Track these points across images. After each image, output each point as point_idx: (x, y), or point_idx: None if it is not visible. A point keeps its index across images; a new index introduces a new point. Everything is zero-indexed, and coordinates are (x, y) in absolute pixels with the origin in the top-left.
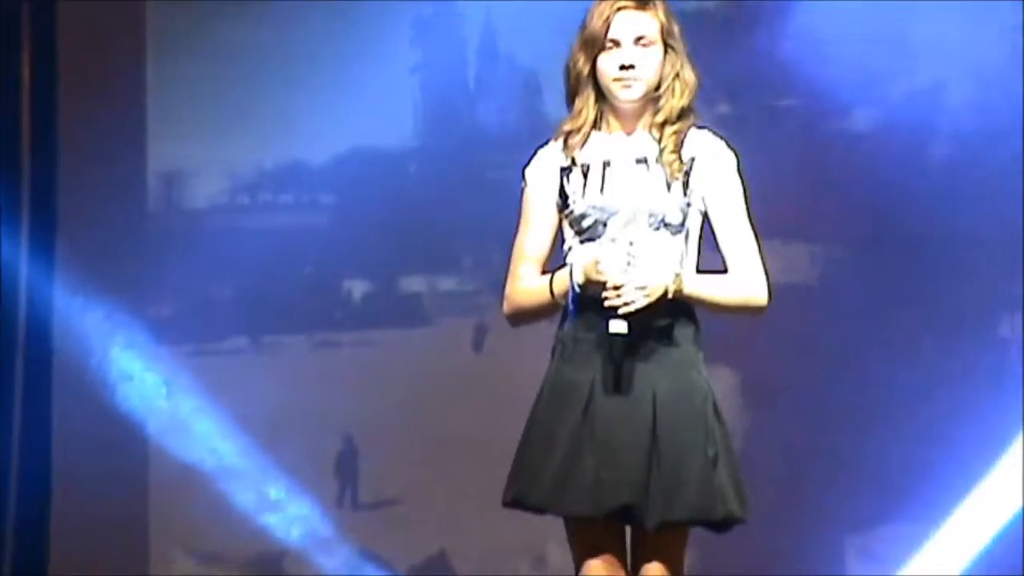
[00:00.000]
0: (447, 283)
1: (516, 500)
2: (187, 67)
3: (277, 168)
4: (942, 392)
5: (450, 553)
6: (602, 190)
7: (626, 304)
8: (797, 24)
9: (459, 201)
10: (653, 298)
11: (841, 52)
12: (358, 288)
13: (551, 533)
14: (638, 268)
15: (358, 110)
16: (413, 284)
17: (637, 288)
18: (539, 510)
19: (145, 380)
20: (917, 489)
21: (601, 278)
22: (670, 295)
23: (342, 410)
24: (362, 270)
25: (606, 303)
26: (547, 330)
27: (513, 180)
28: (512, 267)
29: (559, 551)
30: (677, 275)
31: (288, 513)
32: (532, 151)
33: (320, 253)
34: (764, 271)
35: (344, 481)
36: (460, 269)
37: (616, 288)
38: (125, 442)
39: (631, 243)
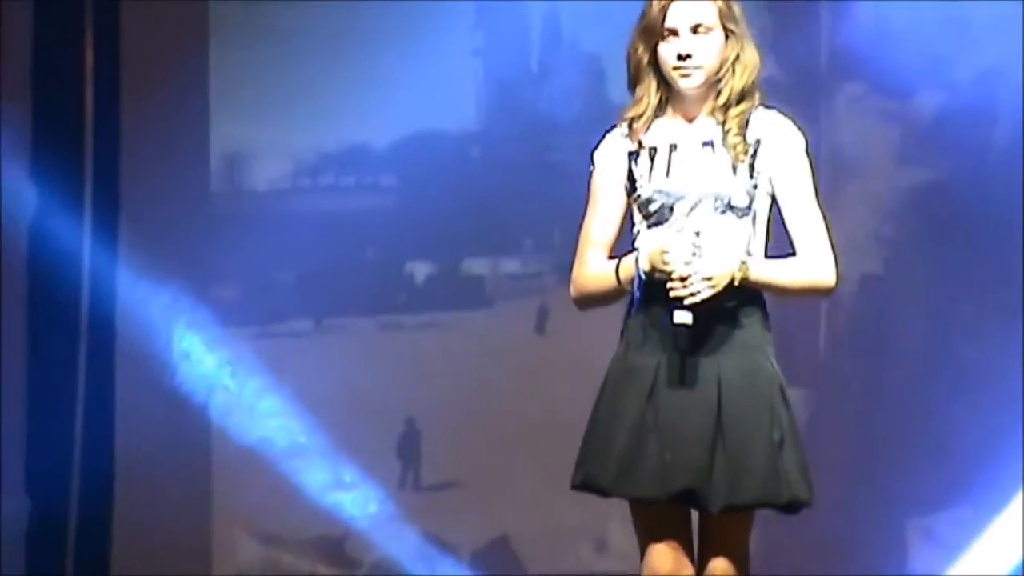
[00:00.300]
0: (510, 265)
1: (583, 483)
2: (249, 50)
3: (339, 151)
4: (1007, 376)
5: (512, 536)
6: (668, 174)
7: (692, 295)
8: (862, 8)
9: (521, 183)
10: (719, 288)
11: (905, 36)
12: (421, 270)
13: (613, 516)
14: (704, 258)
15: (420, 93)
16: (476, 266)
17: (703, 279)
18: (605, 493)
19: (208, 362)
20: (981, 473)
21: (667, 268)
22: (736, 283)
23: (404, 392)
24: (425, 252)
25: (671, 293)
26: (610, 313)
27: (575, 163)
28: (579, 251)
29: (621, 534)
30: (743, 263)
31: (350, 495)
32: (594, 134)
33: (382, 236)
34: (832, 251)
35: (406, 463)
36: (522, 251)
37: (682, 279)
38: (188, 424)
39: (697, 233)
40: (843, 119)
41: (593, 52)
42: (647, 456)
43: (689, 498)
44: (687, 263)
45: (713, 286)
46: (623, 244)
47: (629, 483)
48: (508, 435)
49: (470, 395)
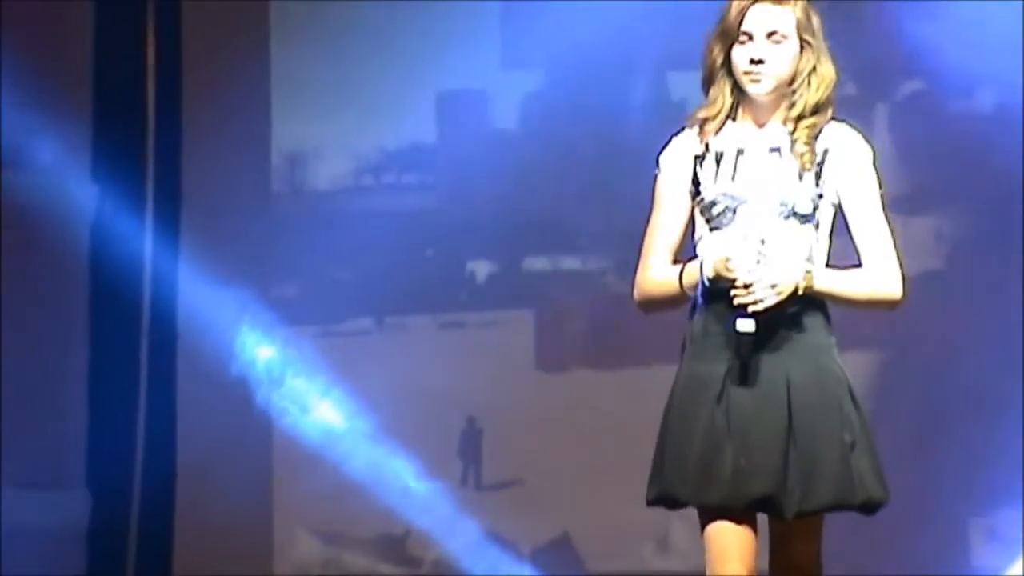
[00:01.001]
0: (570, 263)
1: (660, 497)
2: (311, 48)
3: (401, 150)
4: None
5: (573, 535)
6: (734, 178)
7: (756, 302)
8: (923, 7)
9: (582, 182)
10: (783, 296)
11: (963, 34)
12: (482, 269)
13: (674, 515)
14: (768, 266)
15: (481, 92)
16: (536, 264)
17: (768, 286)
18: (682, 504)
19: (269, 361)
20: None
21: (731, 275)
22: (800, 291)
23: (466, 391)
24: (485, 251)
25: (735, 300)
26: (671, 313)
27: (635, 161)
28: (643, 254)
29: (683, 534)
30: (808, 272)
31: (412, 493)
32: (654, 133)
33: (443, 235)
34: (899, 265)
35: (468, 461)
36: (582, 249)
37: (746, 286)
38: (249, 423)
39: (763, 241)
40: (904, 118)
41: (654, 52)
42: (722, 463)
43: (765, 504)
44: (751, 270)
45: (778, 294)
46: (687, 249)
47: (706, 491)
48: (569, 433)
49: (531, 394)
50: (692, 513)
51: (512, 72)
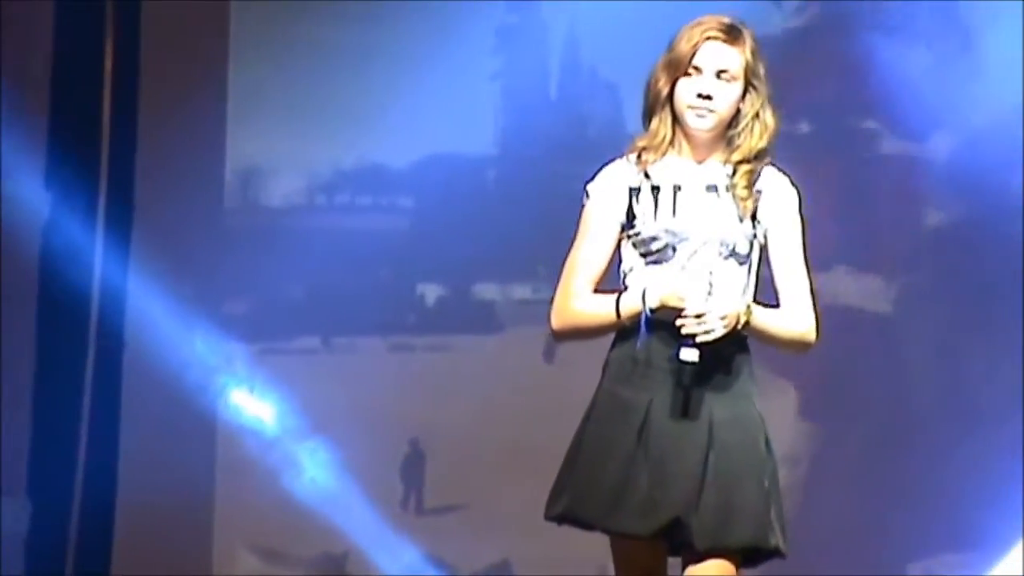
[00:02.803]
0: (521, 291)
1: (564, 514)
2: (269, 66)
3: (356, 170)
4: (1012, 422)
5: (513, 561)
6: (674, 214)
7: (706, 332)
8: (879, 49)
9: (536, 210)
10: (730, 327)
11: (921, 77)
12: (432, 293)
13: None
14: (718, 298)
15: (439, 115)
16: (487, 291)
17: (718, 317)
18: (588, 526)
19: (215, 376)
20: (983, 517)
21: (681, 305)
22: (740, 325)
23: (411, 414)
24: (437, 275)
25: (684, 330)
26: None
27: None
28: (564, 281)
29: None
30: (748, 306)
31: (353, 514)
32: (609, 160)
33: (396, 256)
34: (815, 310)
35: (409, 484)
36: (535, 278)
37: (697, 316)
38: (193, 437)
39: (711, 272)
40: (854, 156)
41: (612, 80)
42: (636, 492)
43: (673, 535)
44: (703, 301)
45: (726, 326)
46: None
47: (616, 518)
48: (512, 461)
49: (476, 419)
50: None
51: (474, 94)
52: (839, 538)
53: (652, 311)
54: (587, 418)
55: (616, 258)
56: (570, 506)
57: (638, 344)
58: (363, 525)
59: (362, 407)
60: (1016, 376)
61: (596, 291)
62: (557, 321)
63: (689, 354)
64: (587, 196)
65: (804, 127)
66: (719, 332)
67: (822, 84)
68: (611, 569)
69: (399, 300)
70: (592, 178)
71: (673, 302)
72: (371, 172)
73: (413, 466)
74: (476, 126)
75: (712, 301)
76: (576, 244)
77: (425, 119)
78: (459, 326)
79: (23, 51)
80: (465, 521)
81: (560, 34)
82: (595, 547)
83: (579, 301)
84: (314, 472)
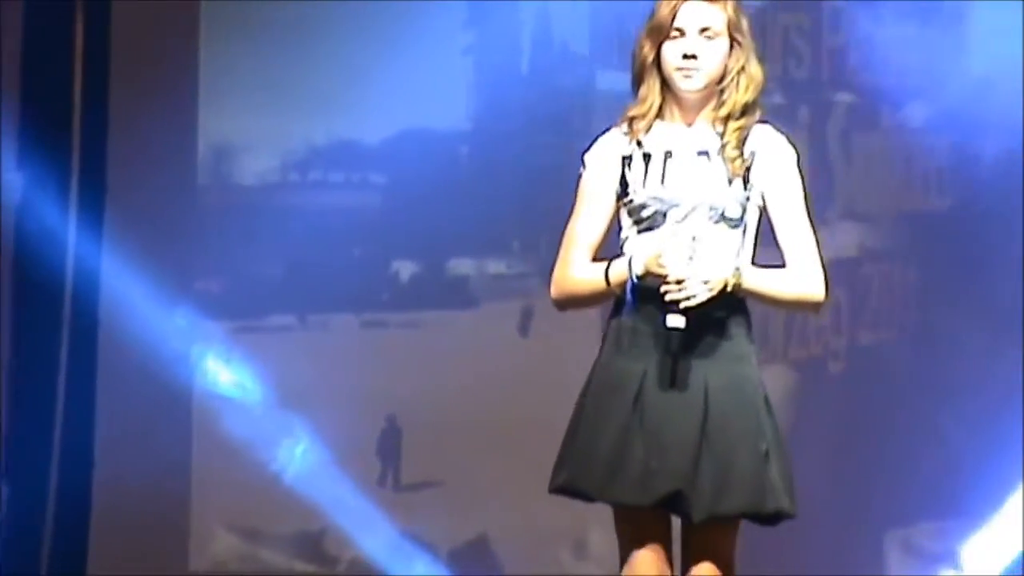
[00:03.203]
0: (495, 266)
1: (564, 486)
2: (239, 42)
3: (328, 146)
4: (990, 389)
5: (491, 537)
6: (663, 181)
7: (688, 298)
8: (855, 20)
9: (509, 184)
10: (714, 292)
11: (896, 48)
12: (406, 269)
13: (593, 519)
14: (700, 262)
15: (411, 90)
16: (461, 266)
17: (700, 282)
18: (588, 497)
19: (190, 354)
20: (962, 485)
21: (662, 271)
22: (729, 289)
23: (387, 390)
24: (411, 251)
25: (667, 296)
26: (594, 316)
27: (564, 165)
28: (563, 251)
29: (601, 537)
30: (737, 269)
31: (330, 492)
32: (583, 136)
33: (369, 233)
34: (822, 267)
35: (386, 461)
36: (509, 252)
37: (679, 281)
38: (169, 417)
39: (694, 237)
40: (830, 129)
41: (583, 53)
42: (632, 461)
43: (673, 505)
44: (684, 266)
45: (710, 290)
46: (609, 248)
47: (614, 488)
48: (489, 436)
49: (452, 395)
50: (610, 517)
51: (446, 69)
52: (817, 507)
53: (639, 278)
54: (585, 391)
55: (615, 227)
56: (570, 478)
57: (624, 312)
58: (341, 502)
59: (338, 384)
60: (995, 343)
61: (595, 259)
62: (555, 291)
63: (676, 320)
64: (583, 165)
65: (777, 99)
66: (702, 297)
67: (797, 55)
68: (590, 541)
69: (373, 277)
70: (588, 148)
71: (655, 268)
72: (344, 149)
73: (390, 442)
74: (449, 101)
75: (693, 266)
76: (573, 215)
77: (398, 95)
78: (434, 302)
79: None
80: (443, 497)
81: (531, 8)
82: (573, 520)
83: (575, 270)
84: (290, 449)
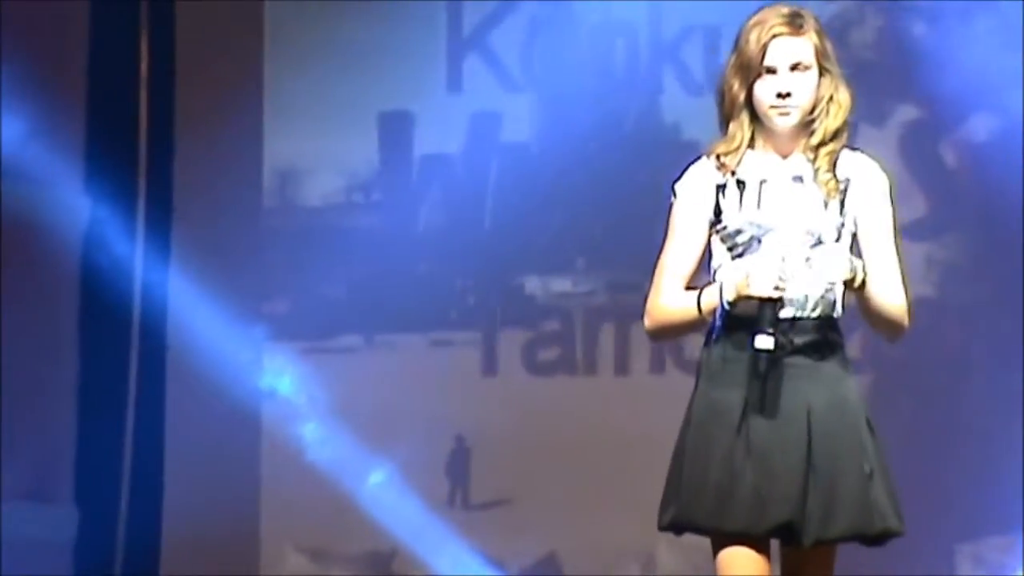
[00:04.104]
0: (561, 284)
1: (674, 522)
2: (305, 64)
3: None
4: None
5: (560, 554)
6: (759, 206)
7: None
8: (917, 30)
9: (576, 203)
10: (845, 275)
11: (959, 59)
12: (472, 287)
13: (661, 537)
14: (791, 282)
15: (475, 110)
16: (527, 285)
17: (844, 260)
18: (699, 529)
19: (258, 376)
20: None
21: (749, 292)
22: (857, 281)
23: (454, 410)
24: (477, 270)
25: (784, 294)
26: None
27: (630, 182)
28: (656, 281)
29: (669, 553)
30: (864, 265)
31: (399, 511)
32: (650, 155)
33: (435, 252)
34: (907, 298)
35: (455, 481)
36: (574, 271)
37: (772, 300)
38: (238, 438)
39: (783, 258)
40: (892, 141)
41: (652, 72)
42: (742, 489)
43: (783, 532)
44: (772, 286)
45: (843, 273)
46: (702, 279)
47: (725, 517)
48: (557, 454)
49: (520, 414)
50: (678, 536)
51: (514, 90)
52: None
53: (730, 303)
54: (686, 423)
55: (708, 256)
56: (679, 512)
57: (714, 341)
58: (410, 522)
59: (406, 404)
60: None
61: (689, 289)
62: (648, 321)
63: (763, 341)
64: (674, 195)
65: None
66: (839, 276)
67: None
68: (659, 557)
69: (439, 296)
70: (679, 178)
71: (744, 291)
72: (407, 169)
73: (458, 462)
74: (513, 121)
75: (782, 286)
76: (665, 243)
77: (463, 115)
78: (500, 321)
79: (61, 58)
80: (512, 515)
81: (590, 28)
82: (642, 537)
83: (667, 299)
84: (360, 470)
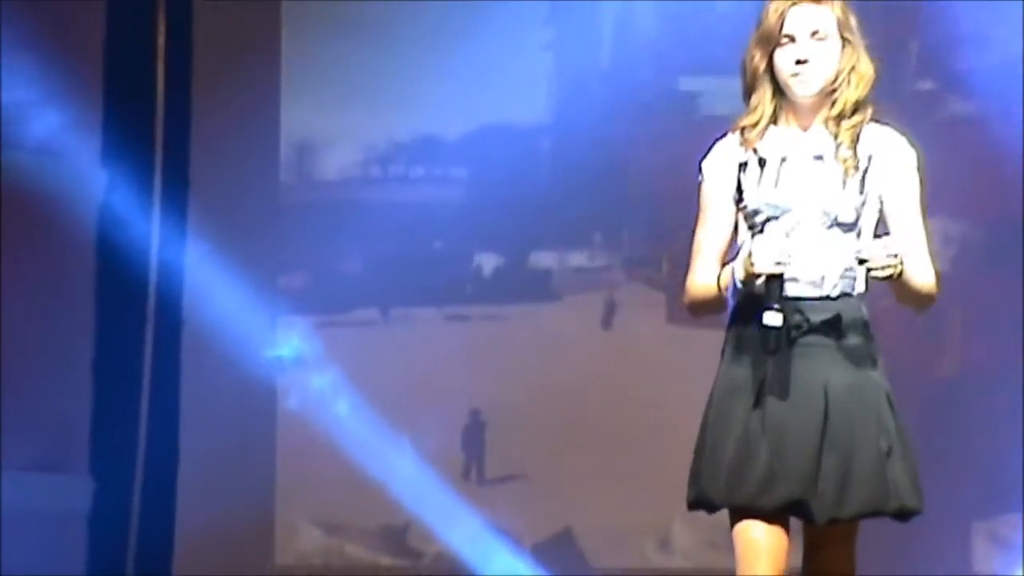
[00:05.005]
0: (577, 259)
1: (697, 500)
2: (322, 39)
3: (410, 141)
4: None
5: (575, 530)
6: (777, 185)
7: (881, 267)
8: (935, 8)
9: (591, 178)
10: (896, 270)
11: (979, 40)
12: (488, 263)
13: (677, 514)
14: (796, 260)
15: (492, 85)
16: (543, 259)
17: (890, 255)
18: (713, 505)
19: (274, 350)
20: None
21: (752, 270)
22: (896, 274)
23: (470, 384)
24: (493, 245)
25: (869, 265)
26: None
27: (644, 159)
28: (692, 259)
29: (684, 532)
30: (897, 255)
31: (414, 486)
32: (665, 132)
33: (451, 227)
34: (935, 270)
35: (471, 455)
36: (590, 245)
37: (772, 277)
38: (254, 412)
39: (787, 234)
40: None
41: (663, 49)
42: (756, 465)
43: (795, 508)
44: (772, 264)
45: (896, 263)
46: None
47: (736, 493)
48: (572, 429)
49: (535, 388)
50: (694, 512)
51: (527, 65)
52: None
53: (742, 282)
54: (709, 401)
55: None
56: (700, 490)
57: (732, 319)
58: (425, 496)
59: (421, 378)
60: None
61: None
62: (685, 297)
63: (772, 318)
64: (701, 174)
65: None
66: (888, 270)
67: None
68: (674, 536)
69: (456, 270)
70: (705, 155)
71: (749, 269)
72: (425, 143)
73: (474, 436)
74: (529, 96)
75: (783, 264)
76: (697, 223)
77: (479, 90)
78: (516, 295)
79: (77, 29)
80: (527, 490)
81: (611, 4)
82: (657, 514)
83: (699, 276)
84: (375, 444)
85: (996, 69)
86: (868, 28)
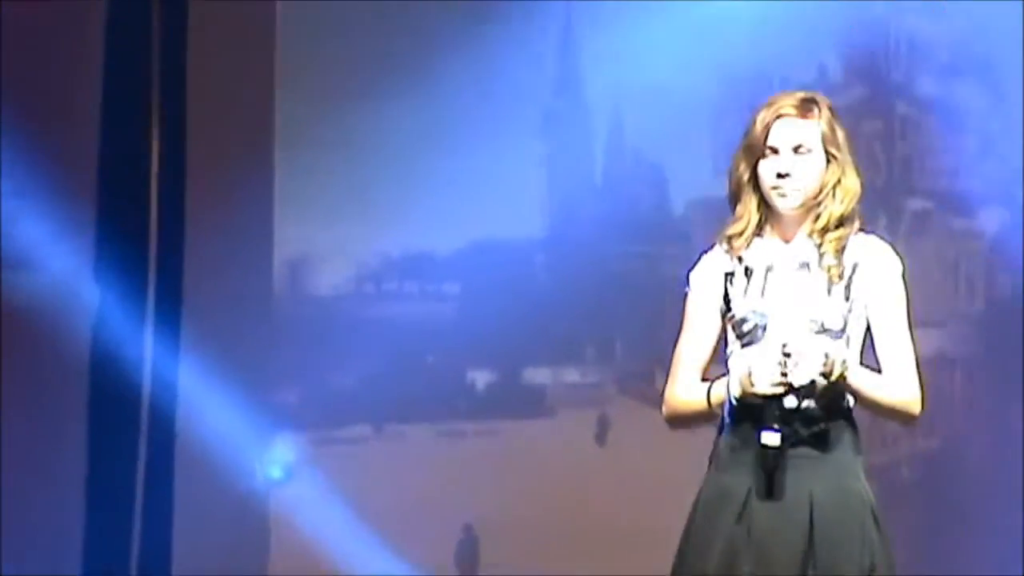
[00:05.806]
0: (570, 374)
1: None
2: (315, 153)
3: (403, 257)
4: None
5: None
6: (763, 293)
7: (799, 380)
8: (925, 123)
9: (584, 293)
10: (828, 370)
11: (969, 153)
12: (481, 378)
13: None
14: (795, 373)
15: (486, 201)
16: (537, 375)
17: (820, 353)
18: None
19: (267, 466)
20: None
21: (753, 390)
22: (836, 375)
23: (463, 499)
24: (486, 360)
25: (780, 390)
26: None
27: (638, 274)
28: (672, 371)
29: None
30: (844, 361)
31: None
32: (657, 245)
33: (444, 342)
34: (920, 383)
35: (464, 571)
36: (584, 360)
37: (777, 390)
38: (246, 527)
39: (784, 345)
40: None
41: (657, 162)
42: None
43: None
44: (774, 383)
45: (824, 366)
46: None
47: None
48: (566, 544)
49: (529, 504)
50: None
51: (520, 179)
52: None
53: (737, 399)
54: (694, 507)
55: (724, 344)
56: None
57: (724, 431)
58: None
59: (415, 494)
60: None
61: (705, 379)
62: (665, 410)
63: (769, 438)
64: (688, 285)
65: None
66: (813, 374)
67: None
68: None
69: (449, 386)
70: (692, 267)
71: (748, 388)
72: (418, 259)
73: (468, 551)
74: (523, 210)
75: (785, 379)
76: (680, 334)
77: (472, 205)
78: (510, 411)
79: (70, 144)
80: None
81: (604, 118)
82: None
83: (681, 390)
84: (369, 560)
85: None
86: None
